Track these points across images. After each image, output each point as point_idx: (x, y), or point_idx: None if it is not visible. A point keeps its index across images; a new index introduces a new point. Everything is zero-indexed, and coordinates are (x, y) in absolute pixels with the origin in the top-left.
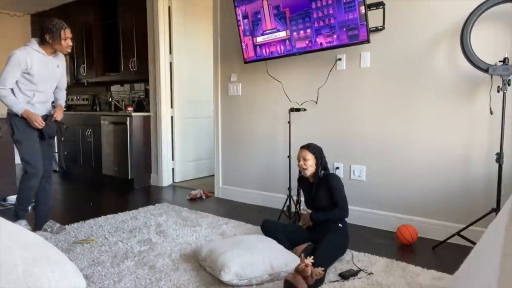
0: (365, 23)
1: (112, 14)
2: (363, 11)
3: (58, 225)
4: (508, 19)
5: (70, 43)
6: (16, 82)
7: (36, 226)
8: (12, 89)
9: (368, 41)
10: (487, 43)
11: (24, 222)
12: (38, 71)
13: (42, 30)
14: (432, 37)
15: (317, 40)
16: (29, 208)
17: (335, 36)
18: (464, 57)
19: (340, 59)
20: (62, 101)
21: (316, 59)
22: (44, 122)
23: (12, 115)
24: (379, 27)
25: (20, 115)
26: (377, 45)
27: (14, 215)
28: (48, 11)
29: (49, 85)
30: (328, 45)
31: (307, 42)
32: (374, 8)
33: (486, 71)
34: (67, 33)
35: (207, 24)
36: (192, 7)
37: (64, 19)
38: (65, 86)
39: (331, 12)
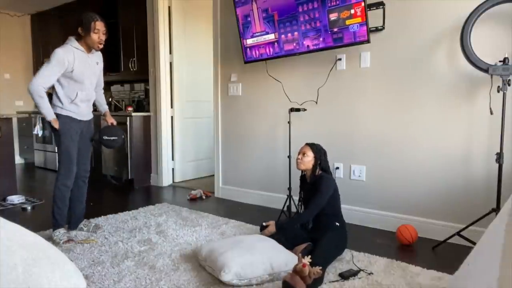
0: (334, 29)
1: (112, 14)
2: (333, 18)
3: (93, 223)
4: (508, 19)
5: (102, 37)
6: (60, 83)
7: (71, 225)
8: (55, 90)
9: (368, 41)
10: (487, 43)
11: (63, 230)
12: (79, 69)
13: (76, 25)
14: (432, 37)
15: (304, 42)
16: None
17: (321, 39)
18: (464, 57)
19: (340, 59)
20: (106, 106)
21: (316, 59)
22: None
23: (57, 114)
24: (379, 27)
25: (47, 120)
26: (377, 45)
27: (53, 223)
28: (48, 11)
29: (90, 82)
30: (314, 47)
31: (294, 44)
32: (374, 8)
33: (486, 71)
34: (98, 25)
35: (207, 24)
36: (192, 7)
37: (64, 19)
38: (103, 85)
39: (316, 15)
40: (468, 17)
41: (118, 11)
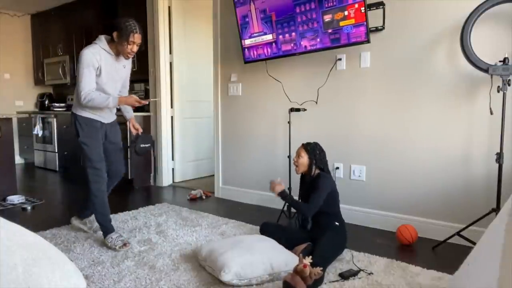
0: (328, 30)
1: (112, 14)
2: (328, 19)
3: (96, 224)
4: (508, 19)
5: (135, 50)
6: None
7: (81, 213)
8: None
9: (368, 41)
10: (487, 43)
11: (115, 234)
12: (106, 72)
13: (113, 27)
14: (432, 37)
15: (302, 43)
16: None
17: (318, 40)
18: (464, 57)
19: (340, 59)
20: (132, 112)
21: (316, 59)
22: (140, 102)
23: (77, 115)
24: (379, 27)
25: (118, 105)
26: (377, 45)
27: (102, 230)
28: (48, 11)
29: (115, 86)
30: (312, 48)
31: (292, 45)
32: (374, 8)
33: (486, 71)
34: (136, 37)
35: (207, 24)
36: (192, 7)
37: (65, 19)
38: (128, 87)
39: (314, 16)
40: (468, 17)
41: (118, 11)
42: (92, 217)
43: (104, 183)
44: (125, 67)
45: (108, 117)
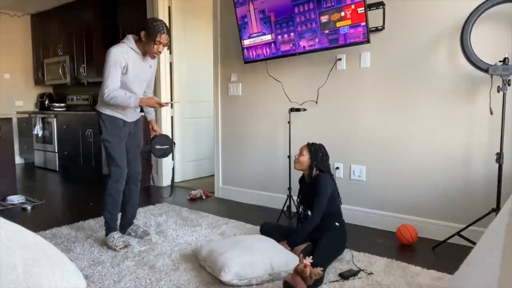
0: (325, 31)
1: (112, 14)
2: (324, 20)
3: (142, 229)
4: (508, 19)
5: (161, 50)
6: None
7: (120, 229)
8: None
9: (368, 41)
10: (487, 43)
11: (117, 234)
12: (133, 71)
13: (142, 28)
14: (432, 37)
15: (300, 43)
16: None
17: (316, 40)
18: (464, 57)
19: (340, 59)
20: (153, 114)
21: (316, 59)
22: (161, 104)
23: (101, 113)
24: (379, 27)
25: (139, 106)
26: (377, 45)
27: (105, 227)
28: (48, 11)
29: (139, 86)
30: (311, 48)
31: (291, 45)
32: (374, 8)
33: (486, 71)
34: (162, 38)
35: (207, 24)
36: (192, 7)
37: (64, 19)
38: (152, 87)
39: (312, 16)
40: (468, 17)
41: (118, 11)
42: (133, 225)
43: (123, 184)
44: (151, 67)
45: (131, 116)
